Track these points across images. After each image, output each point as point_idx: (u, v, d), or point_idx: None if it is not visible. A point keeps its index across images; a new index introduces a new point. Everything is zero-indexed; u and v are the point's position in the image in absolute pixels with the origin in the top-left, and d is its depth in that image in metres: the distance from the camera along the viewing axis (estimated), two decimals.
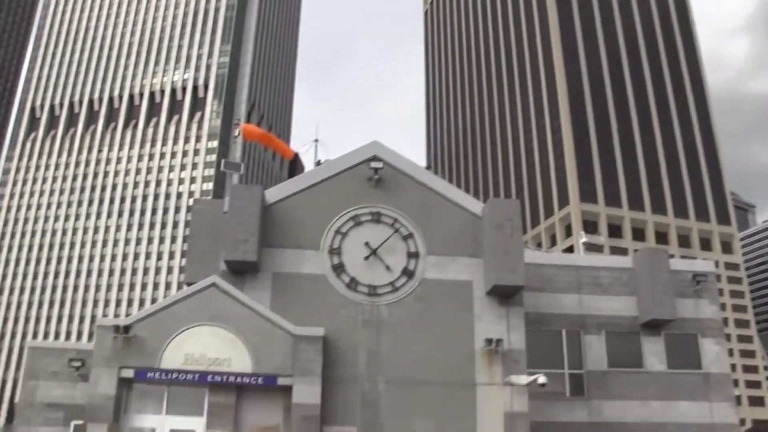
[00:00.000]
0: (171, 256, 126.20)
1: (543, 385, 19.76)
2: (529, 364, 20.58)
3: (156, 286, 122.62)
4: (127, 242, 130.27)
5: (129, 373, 18.52)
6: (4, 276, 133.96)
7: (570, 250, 74.97)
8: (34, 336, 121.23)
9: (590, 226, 79.80)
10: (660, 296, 23.55)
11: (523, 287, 20.71)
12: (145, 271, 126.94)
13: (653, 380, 23.55)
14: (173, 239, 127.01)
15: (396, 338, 20.10)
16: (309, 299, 20.23)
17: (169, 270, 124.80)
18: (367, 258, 20.79)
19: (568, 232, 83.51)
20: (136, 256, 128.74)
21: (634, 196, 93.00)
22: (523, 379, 20.06)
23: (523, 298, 21.16)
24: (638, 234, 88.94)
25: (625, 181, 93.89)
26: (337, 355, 19.64)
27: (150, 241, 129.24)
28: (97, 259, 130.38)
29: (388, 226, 21.21)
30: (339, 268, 20.67)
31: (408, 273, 20.81)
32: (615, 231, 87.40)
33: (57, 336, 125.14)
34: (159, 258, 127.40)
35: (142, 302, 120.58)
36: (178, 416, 18.77)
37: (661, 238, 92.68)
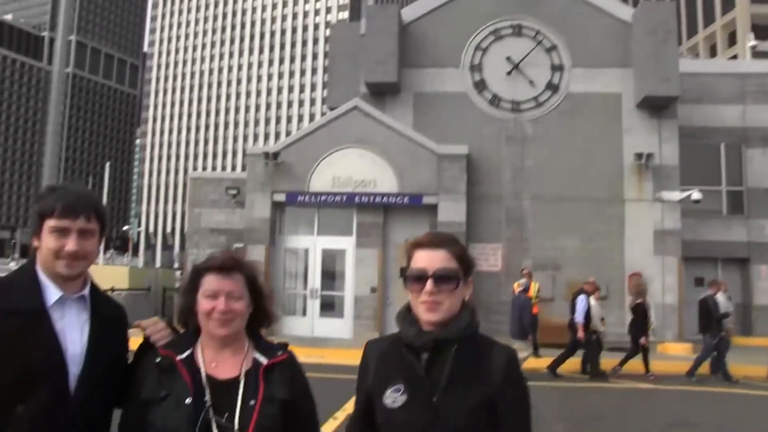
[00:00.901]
0: (313, 88, 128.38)
1: (697, 201, 18.88)
2: (682, 180, 19.68)
3: (300, 118, 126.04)
4: (270, 77, 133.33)
5: (281, 198, 19.29)
6: (163, 118, 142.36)
7: None
8: (194, 170, 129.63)
9: (761, 32, 71.22)
10: None
11: (678, 98, 19.38)
12: (289, 104, 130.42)
13: None
14: (314, 71, 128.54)
15: (541, 154, 19.66)
16: (451, 118, 19.95)
17: (312, 102, 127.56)
18: (509, 73, 20.05)
19: (732, 40, 75.36)
20: (280, 91, 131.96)
21: None
22: (675, 196, 19.24)
23: (678, 110, 19.88)
24: None
25: None
26: (481, 172, 19.55)
27: (291, 74, 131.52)
28: (243, 96, 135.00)
29: (530, 39, 20.17)
30: (480, 85, 20.11)
31: (552, 87, 19.94)
32: None
33: (215, 156, 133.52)
34: (301, 90, 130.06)
35: (288, 134, 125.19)
36: (328, 236, 19.57)
37: None
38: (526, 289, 14.55)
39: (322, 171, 19.09)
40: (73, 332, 2.20)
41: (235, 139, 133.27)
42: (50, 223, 2.22)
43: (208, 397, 2.18)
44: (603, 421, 10.12)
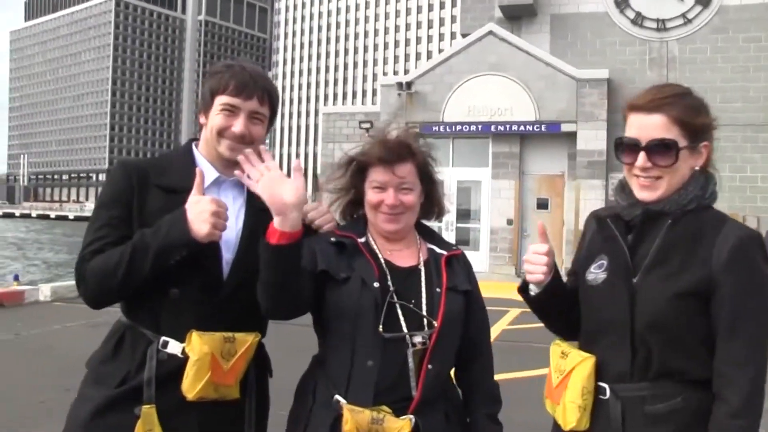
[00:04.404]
0: (441, 23, 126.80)
1: None
2: None
3: (429, 55, 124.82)
4: (398, 14, 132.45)
5: (414, 129, 19.14)
6: (293, 60, 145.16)
7: None
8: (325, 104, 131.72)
9: None
10: None
11: None
12: (418, 40, 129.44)
13: None
14: (442, 5, 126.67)
15: (687, 76, 18.37)
16: (590, 40, 19.09)
17: (441, 37, 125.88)
18: None
19: None
20: (408, 27, 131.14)
21: None
22: None
23: None
24: None
25: None
26: (623, 98, 18.18)
27: (420, 10, 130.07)
28: (372, 35, 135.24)
29: None
30: (623, 3, 18.98)
31: (703, 1, 18.51)
32: None
33: (345, 97, 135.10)
34: (430, 26, 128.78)
35: (418, 56, 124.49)
36: (464, 167, 19.28)
37: None
38: None
39: (456, 100, 18.81)
40: (229, 216, 2.07)
41: (365, 79, 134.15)
42: (221, 99, 2.11)
43: (390, 282, 2.07)
44: None
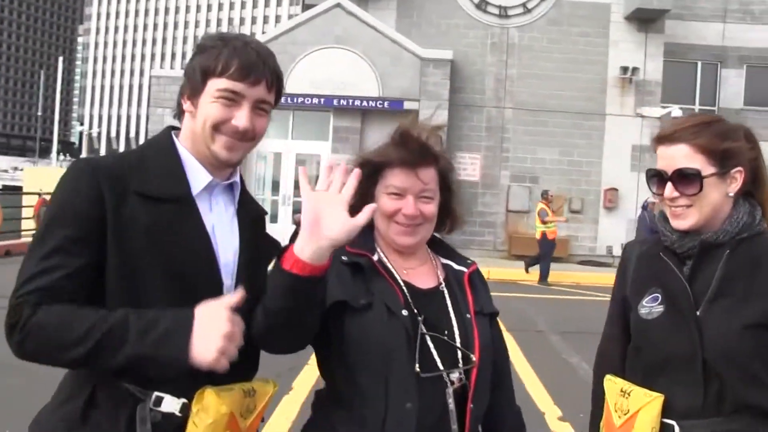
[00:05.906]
0: None
1: (677, 119, 18.78)
2: (661, 97, 19.58)
3: (266, 20, 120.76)
4: None
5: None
6: (108, 15, 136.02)
7: None
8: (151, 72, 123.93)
9: None
10: None
11: (668, 12, 18.98)
12: (255, 4, 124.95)
13: None
14: None
15: (525, 63, 19.21)
16: (436, 21, 19.25)
17: (278, 2, 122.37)
18: None
19: None
20: None
21: None
22: (656, 112, 19.17)
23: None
24: None
25: None
26: (464, 79, 19.02)
27: None
28: None
29: None
30: None
31: None
32: None
33: (173, 57, 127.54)
34: None
35: (242, 21, 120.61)
36: (303, 141, 19.01)
37: None
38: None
39: (299, 71, 18.29)
40: (224, 231, 1.68)
41: (185, 41, 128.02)
42: (218, 83, 1.61)
43: (415, 309, 1.76)
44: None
